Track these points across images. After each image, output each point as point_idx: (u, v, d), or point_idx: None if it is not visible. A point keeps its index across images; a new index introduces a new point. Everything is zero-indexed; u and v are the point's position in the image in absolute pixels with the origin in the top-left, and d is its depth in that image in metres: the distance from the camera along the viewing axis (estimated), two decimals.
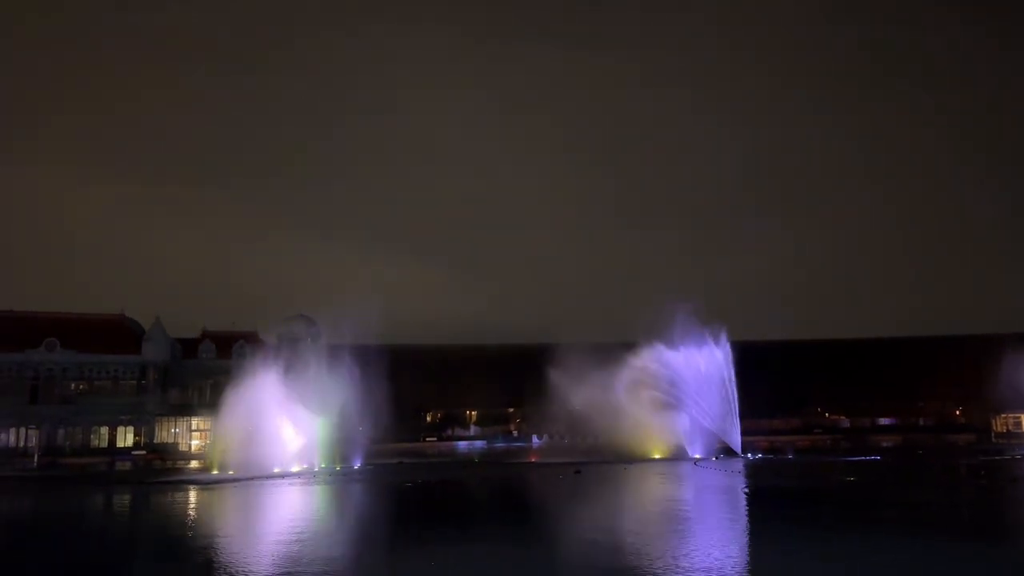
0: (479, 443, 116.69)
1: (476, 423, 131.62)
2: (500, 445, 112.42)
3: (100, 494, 52.09)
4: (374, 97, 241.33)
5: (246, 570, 23.14)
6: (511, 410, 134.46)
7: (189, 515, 40.02)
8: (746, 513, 37.27)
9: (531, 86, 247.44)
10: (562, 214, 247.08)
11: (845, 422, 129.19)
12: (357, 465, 68.38)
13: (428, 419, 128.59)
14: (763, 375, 73.61)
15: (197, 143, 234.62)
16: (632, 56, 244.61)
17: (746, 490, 46.49)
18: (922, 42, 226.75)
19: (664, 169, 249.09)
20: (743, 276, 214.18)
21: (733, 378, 73.37)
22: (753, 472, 56.96)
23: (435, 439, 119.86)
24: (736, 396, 72.75)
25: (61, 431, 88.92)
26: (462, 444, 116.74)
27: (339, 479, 57.68)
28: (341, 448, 70.52)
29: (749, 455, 71.62)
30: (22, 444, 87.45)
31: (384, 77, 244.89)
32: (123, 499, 49.74)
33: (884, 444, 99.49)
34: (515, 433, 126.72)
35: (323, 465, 67.55)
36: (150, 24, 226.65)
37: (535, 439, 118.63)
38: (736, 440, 72.72)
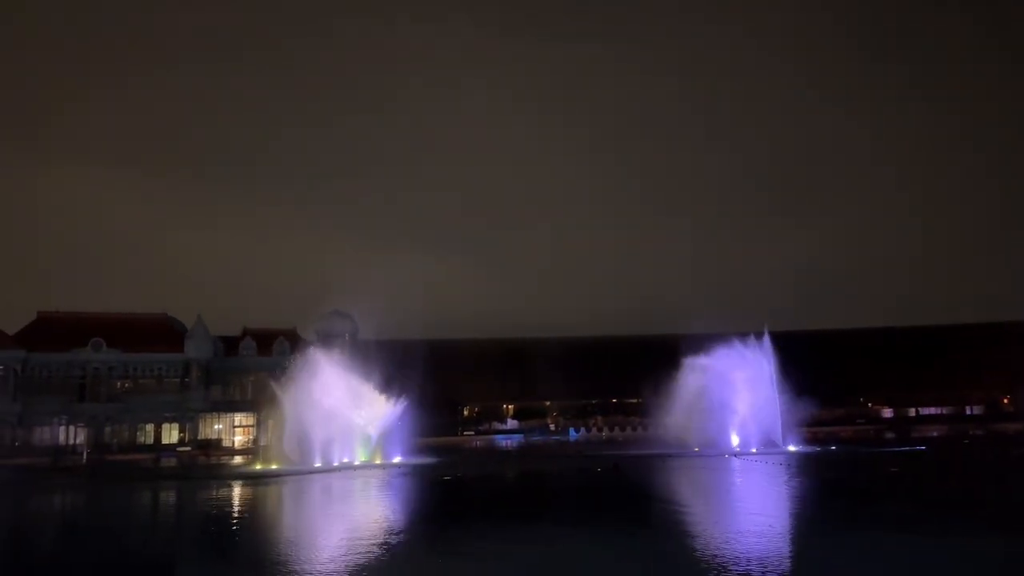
0: (517, 437, 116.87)
1: (513, 417, 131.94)
2: (538, 439, 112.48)
3: (148, 490, 53.12)
4: (400, 97, 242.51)
5: (303, 563, 23.41)
6: (548, 403, 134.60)
7: (238, 510, 40.65)
8: (789, 507, 36.76)
9: (554, 84, 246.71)
10: (593, 209, 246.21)
11: (888, 412, 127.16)
12: (396, 459, 68.81)
13: (465, 413, 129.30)
14: (805, 365, 72.33)
15: (237, 143, 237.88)
16: (656, 51, 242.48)
17: (788, 483, 45.90)
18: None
19: (696, 161, 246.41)
20: (785, 265, 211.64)
21: (773, 368, 72.28)
22: (795, 464, 56.18)
23: (473, 433, 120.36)
24: (777, 387, 71.66)
25: (108, 428, 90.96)
26: (500, 438, 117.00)
27: (379, 473, 58.11)
28: (380, 442, 70.98)
29: (790, 447, 70.62)
30: (71, 441, 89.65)
31: (408, 77, 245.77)
32: (171, 495, 50.72)
33: (930, 434, 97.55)
34: (553, 427, 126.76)
35: (363, 459, 68.11)
36: (183, 25, 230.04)
37: (572, 432, 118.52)
38: (777, 432, 71.71)
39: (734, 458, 62.33)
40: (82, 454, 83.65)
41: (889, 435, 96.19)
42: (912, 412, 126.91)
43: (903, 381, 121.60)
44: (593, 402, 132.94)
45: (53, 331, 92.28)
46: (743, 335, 74.65)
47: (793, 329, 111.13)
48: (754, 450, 68.38)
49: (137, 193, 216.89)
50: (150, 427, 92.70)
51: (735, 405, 71.44)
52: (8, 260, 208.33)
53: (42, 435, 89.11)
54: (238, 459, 78.45)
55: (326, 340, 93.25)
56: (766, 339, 73.86)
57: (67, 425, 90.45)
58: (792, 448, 70.07)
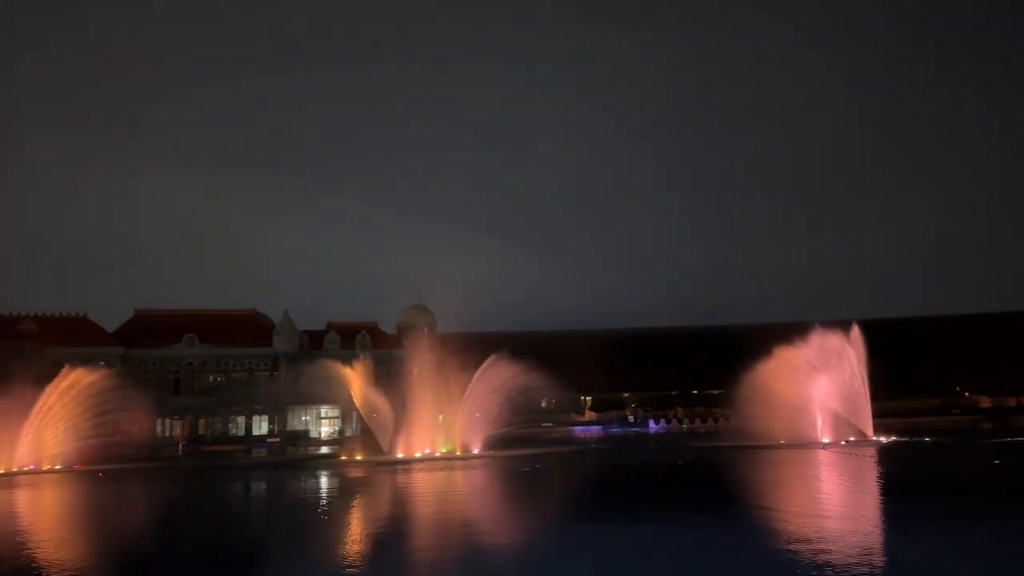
0: (595, 428, 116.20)
1: (591, 408, 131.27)
2: (616, 430, 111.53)
3: (249, 480, 55.02)
4: (473, 99, 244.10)
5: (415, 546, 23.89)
6: (626, 395, 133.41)
7: (328, 498, 41.78)
8: (880, 506, 35.44)
9: (630, 71, 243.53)
10: (667, 197, 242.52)
11: (986, 401, 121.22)
12: (475, 451, 69.42)
13: (543, 405, 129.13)
14: (897, 353, 69.50)
15: (319, 143, 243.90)
16: (729, 34, 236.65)
17: (880, 478, 44.31)
18: None
19: (781, 141, 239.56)
20: (874, 250, 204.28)
21: (864, 357, 69.57)
22: (886, 458, 54.18)
23: (551, 425, 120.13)
24: (867, 376, 69.01)
25: (202, 421, 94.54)
26: (578, 429, 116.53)
27: (460, 464, 58.73)
28: (460, 434, 71.74)
29: (882, 439, 68.09)
30: (167, 434, 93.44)
31: (470, 75, 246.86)
32: (272, 484, 52.44)
33: None
34: (631, 418, 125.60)
35: (444, 450, 69.01)
36: (254, 25, 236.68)
37: (652, 424, 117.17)
38: (867, 423, 69.21)
39: (822, 451, 60.53)
40: (178, 446, 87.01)
41: (986, 425, 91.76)
42: (1012, 402, 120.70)
43: (1003, 369, 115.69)
44: (673, 393, 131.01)
45: (149, 328, 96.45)
46: (830, 324, 72.22)
47: (885, 316, 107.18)
48: (843, 442, 66.22)
49: (227, 195, 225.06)
50: (241, 419, 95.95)
51: (822, 396, 69.24)
52: (107, 261, 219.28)
53: (140, 428, 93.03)
54: (324, 450, 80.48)
55: (406, 333, 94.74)
56: (854, 328, 71.20)
57: (163, 418, 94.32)
58: (884, 440, 67.59)
